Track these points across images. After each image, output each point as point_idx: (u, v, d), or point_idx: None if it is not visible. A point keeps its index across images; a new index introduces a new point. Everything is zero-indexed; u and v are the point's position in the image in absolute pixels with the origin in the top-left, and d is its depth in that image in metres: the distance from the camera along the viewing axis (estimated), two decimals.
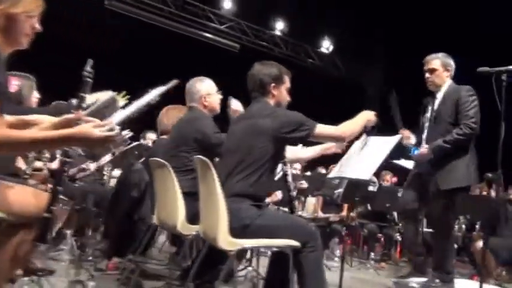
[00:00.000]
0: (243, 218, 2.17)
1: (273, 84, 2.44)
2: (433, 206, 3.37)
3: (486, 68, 2.91)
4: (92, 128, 1.50)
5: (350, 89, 11.68)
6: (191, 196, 2.55)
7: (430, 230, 5.91)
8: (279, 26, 10.86)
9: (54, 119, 1.76)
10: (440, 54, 3.47)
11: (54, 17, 8.12)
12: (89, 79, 1.74)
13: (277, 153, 2.33)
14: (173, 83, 2.17)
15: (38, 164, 3.58)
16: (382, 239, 6.08)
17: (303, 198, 6.23)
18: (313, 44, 11.42)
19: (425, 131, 3.46)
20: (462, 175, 3.27)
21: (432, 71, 3.43)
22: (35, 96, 2.98)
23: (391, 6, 9.24)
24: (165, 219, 2.75)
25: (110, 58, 8.71)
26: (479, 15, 7.91)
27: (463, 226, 6.07)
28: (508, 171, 3.01)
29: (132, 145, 3.77)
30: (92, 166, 4.54)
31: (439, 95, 3.44)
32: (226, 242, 2.11)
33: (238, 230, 2.15)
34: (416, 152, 3.43)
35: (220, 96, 3.09)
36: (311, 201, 6.16)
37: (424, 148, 3.36)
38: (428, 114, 3.49)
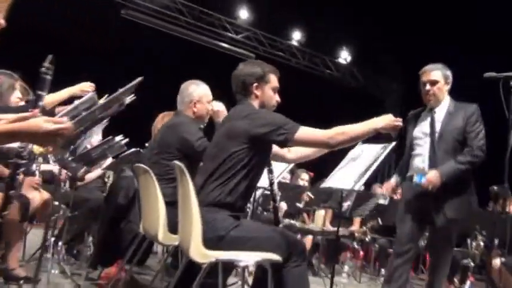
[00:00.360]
0: (217, 229, 2.04)
1: (255, 84, 2.29)
2: (439, 237, 3.07)
3: (493, 74, 2.73)
4: (41, 122, 1.41)
5: (368, 100, 11.46)
6: (173, 205, 2.44)
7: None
8: (296, 36, 10.77)
9: None
10: (440, 65, 3.15)
11: (77, 25, 8.27)
12: (47, 76, 1.65)
13: (256, 158, 2.16)
14: (138, 80, 2.07)
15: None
16: None
17: (313, 211, 6.04)
18: (331, 54, 11.26)
19: (426, 147, 3.06)
20: (471, 202, 3.02)
21: (433, 82, 3.09)
22: (17, 96, 2.90)
23: (410, 17, 9.02)
24: (148, 228, 2.64)
25: (122, 65, 8.80)
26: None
27: (481, 243, 5.77)
28: None
29: (129, 152, 3.70)
30: (96, 172, 4.48)
31: (440, 110, 3.10)
32: (199, 253, 1.99)
33: (212, 242, 2.02)
34: (423, 180, 2.94)
35: (211, 107, 2.97)
36: (320, 213, 5.96)
37: (434, 173, 2.92)
38: (426, 130, 3.10)
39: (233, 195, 2.12)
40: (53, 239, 3.10)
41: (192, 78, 3.24)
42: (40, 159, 3.42)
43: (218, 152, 2.19)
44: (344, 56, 11.23)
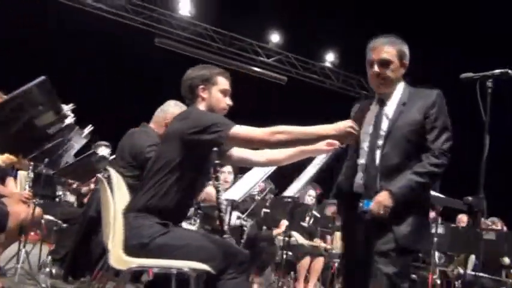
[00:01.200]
0: (142, 236, 1.97)
1: (201, 87, 2.23)
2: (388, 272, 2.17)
3: (470, 74, 2.49)
4: None
5: None
6: None
7: (482, 274, 5.20)
8: (329, 57, 10.66)
9: None
10: (395, 39, 2.34)
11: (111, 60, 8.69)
12: None
13: (191, 160, 2.07)
14: (39, 79, 2.09)
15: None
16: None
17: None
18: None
19: (365, 154, 2.28)
20: (426, 227, 2.39)
21: (385, 63, 2.26)
22: None
23: (449, 37, 8.65)
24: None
25: (154, 92, 9.08)
26: None
27: None
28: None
29: None
30: None
31: (392, 101, 2.31)
32: (118, 259, 1.93)
33: (135, 249, 1.96)
34: (371, 205, 2.17)
35: None
36: (339, 235, 5.70)
37: (383, 195, 2.15)
38: (370, 129, 2.28)
39: (165, 200, 2.05)
40: (24, 250, 3.13)
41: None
42: (31, 174, 3.50)
43: (153, 159, 2.15)
44: None
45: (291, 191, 2.34)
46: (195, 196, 2.24)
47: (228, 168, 4.07)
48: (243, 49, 10.23)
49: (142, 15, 9.54)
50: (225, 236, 2.42)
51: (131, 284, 3.78)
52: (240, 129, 2.03)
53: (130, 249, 1.96)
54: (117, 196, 2.00)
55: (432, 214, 5.70)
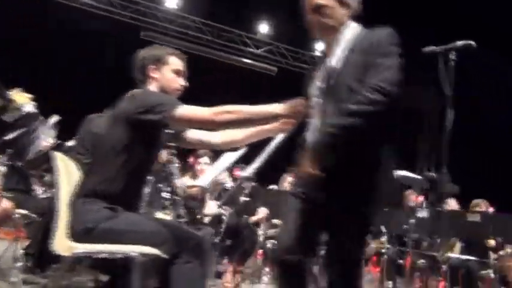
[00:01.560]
0: (87, 221, 1.92)
1: (152, 67, 2.17)
2: (335, 242, 1.92)
3: (432, 47, 2.43)
4: None
5: (404, 113, 10.88)
6: None
7: (469, 257, 5.12)
8: (319, 46, 10.55)
9: None
10: None
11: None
12: None
13: (138, 142, 2.01)
14: None
15: None
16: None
17: None
18: None
19: (316, 112, 1.99)
20: (376, 182, 1.91)
21: (318, 9, 1.94)
22: None
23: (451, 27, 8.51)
24: None
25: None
26: None
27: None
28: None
29: None
30: None
31: (337, 51, 1.94)
32: (62, 245, 1.88)
33: (79, 234, 1.91)
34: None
35: None
36: None
37: (307, 153, 1.85)
38: (318, 84, 1.99)
39: (112, 183, 2.00)
40: None
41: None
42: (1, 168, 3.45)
43: (102, 140, 2.09)
44: None
45: (247, 172, 2.28)
46: (144, 180, 2.18)
47: (204, 160, 4.00)
48: (232, 40, 10.15)
49: (129, 10, 9.46)
50: (179, 220, 2.37)
51: None
52: (186, 110, 1.97)
53: (77, 235, 1.91)
54: (64, 182, 1.95)
55: (420, 199, 5.67)
